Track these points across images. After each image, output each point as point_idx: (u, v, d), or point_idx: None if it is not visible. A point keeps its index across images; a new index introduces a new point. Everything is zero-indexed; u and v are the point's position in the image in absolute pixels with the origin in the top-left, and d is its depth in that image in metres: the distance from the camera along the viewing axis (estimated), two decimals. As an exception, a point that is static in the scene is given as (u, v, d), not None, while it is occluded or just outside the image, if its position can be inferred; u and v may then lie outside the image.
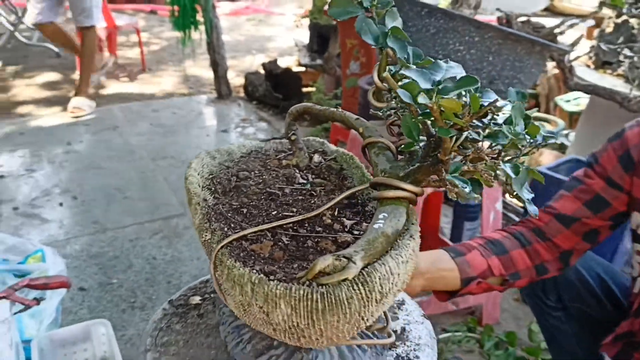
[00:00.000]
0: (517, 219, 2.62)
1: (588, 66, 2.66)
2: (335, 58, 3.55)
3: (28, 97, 4.48)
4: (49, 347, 1.78)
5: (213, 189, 0.86)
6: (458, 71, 0.72)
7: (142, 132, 3.83)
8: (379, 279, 0.63)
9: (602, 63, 2.58)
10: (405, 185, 0.72)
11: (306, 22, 4.70)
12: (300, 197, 0.83)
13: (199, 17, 4.25)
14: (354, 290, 0.62)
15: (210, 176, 0.89)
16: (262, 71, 4.50)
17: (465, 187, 0.69)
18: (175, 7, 4.25)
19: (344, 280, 0.62)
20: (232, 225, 0.75)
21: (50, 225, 2.69)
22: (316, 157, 0.95)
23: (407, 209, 0.73)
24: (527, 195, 0.72)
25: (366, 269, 0.64)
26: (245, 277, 0.66)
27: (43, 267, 1.99)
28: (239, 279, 0.67)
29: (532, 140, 0.72)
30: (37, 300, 1.68)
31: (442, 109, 0.63)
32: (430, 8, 1.62)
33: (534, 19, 1.85)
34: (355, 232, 0.76)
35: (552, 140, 0.78)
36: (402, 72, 0.70)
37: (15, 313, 1.68)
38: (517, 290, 2.24)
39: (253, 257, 0.70)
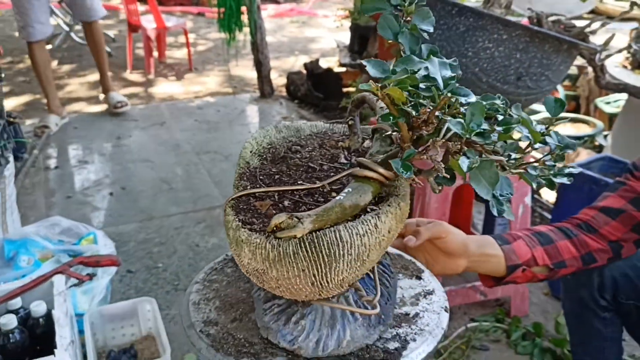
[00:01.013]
0: (548, 215, 2.65)
1: (625, 67, 2.67)
2: (375, 58, 3.64)
3: (82, 94, 4.72)
4: (99, 321, 1.92)
5: (264, 156, 0.96)
6: (449, 73, 0.77)
7: (187, 128, 4.00)
8: (327, 243, 0.71)
9: (639, 64, 2.59)
10: (374, 166, 0.78)
11: (348, 23, 4.80)
12: (332, 174, 0.92)
13: (244, 18, 4.40)
14: (300, 247, 0.71)
15: (269, 146, 0.99)
16: (304, 71, 4.61)
17: (404, 174, 0.71)
18: (222, 9, 4.41)
19: (293, 237, 0.71)
20: (257, 185, 0.86)
21: (100, 213, 2.86)
22: (367, 142, 1.01)
23: (377, 190, 0.78)
24: (487, 194, 0.71)
25: (316, 233, 0.71)
26: (230, 223, 0.78)
27: (95, 248, 2.15)
28: (227, 224, 0.79)
29: (510, 143, 0.77)
30: (90, 276, 1.82)
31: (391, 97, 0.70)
32: (460, 7, 1.69)
33: (577, 22, 1.89)
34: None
35: (567, 150, 0.82)
36: (362, 62, 0.75)
37: (70, 287, 1.83)
38: (547, 283, 2.28)
39: (250, 212, 0.80)
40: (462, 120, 0.70)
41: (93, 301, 2.00)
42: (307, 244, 0.71)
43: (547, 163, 0.82)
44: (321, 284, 0.75)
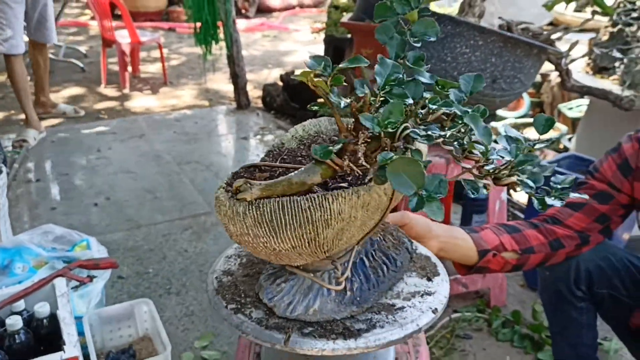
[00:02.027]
0: (520, 214, 2.79)
1: (587, 72, 2.85)
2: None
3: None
4: (97, 323, 1.97)
5: (304, 141, 1.06)
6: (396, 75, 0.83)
7: (166, 139, 4.06)
8: (269, 210, 0.79)
9: (600, 69, 2.77)
10: None
11: (322, 36, 4.94)
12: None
13: (220, 32, 4.49)
14: (248, 209, 0.81)
15: (315, 134, 1.08)
16: (280, 83, 4.72)
17: (322, 157, 0.80)
18: (198, 24, 4.50)
19: (244, 199, 0.82)
20: (275, 160, 0.96)
21: (87, 223, 2.90)
22: None
23: (327, 173, 0.84)
24: (408, 191, 0.69)
25: (263, 199, 0.81)
26: (219, 185, 0.90)
27: (89, 253, 2.19)
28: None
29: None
30: (90, 278, 1.88)
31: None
32: (438, 15, 1.82)
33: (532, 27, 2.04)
34: (332, 188, 0.90)
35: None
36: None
37: (72, 288, 1.88)
38: (522, 276, 2.42)
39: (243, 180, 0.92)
40: (375, 116, 0.76)
41: (90, 304, 2.05)
42: (253, 207, 0.80)
43: (486, 168, 0.80)
44: (272, 247, 0.83)
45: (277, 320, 0.94)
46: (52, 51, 5.98)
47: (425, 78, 0.84)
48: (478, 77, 0.86)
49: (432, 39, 0.87)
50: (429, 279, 1.09)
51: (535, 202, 0.81)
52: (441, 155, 2.03)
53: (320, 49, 5.09)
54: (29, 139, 3.90)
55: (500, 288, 2.25)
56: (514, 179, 0.80)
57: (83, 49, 6.41)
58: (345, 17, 3.36)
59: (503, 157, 0.79)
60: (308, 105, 0.95)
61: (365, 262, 0.99)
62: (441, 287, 1.07)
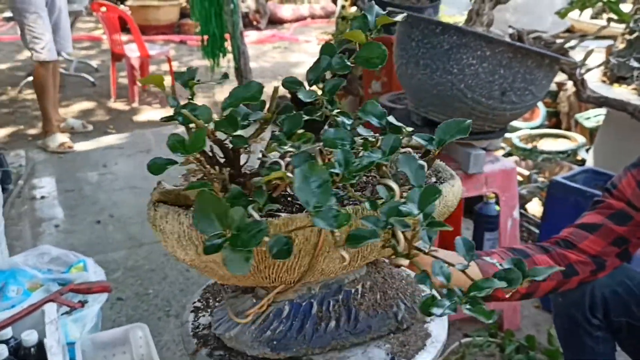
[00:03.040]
0: (535, 230, 2.68)
1: (604, 81, 2.74)
2: (359, 79, 3.69)
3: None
4: (90, 349, 1.89)
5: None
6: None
7: (174, 154, 3.99)
8: (156, 213, 0.80)
9: (617, 78, 2.66)
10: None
11: (330, 47, 4.86)
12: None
13: (227, 45, 4.44)
14: (148, 207, 0.84)
15: None
16: (288, 95, 4.64)
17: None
18: (205, 37, 4.46)
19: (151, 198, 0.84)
20: None
21: (89, 241, 2.84)
22: None
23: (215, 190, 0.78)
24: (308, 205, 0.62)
25: (157, 202, 0.82)
26: None
27: (85, 275, 2.12)
28: None
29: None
30: (82, 303, 1.81)
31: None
32: (444, 25, 1.73)
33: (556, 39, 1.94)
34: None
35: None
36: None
37: (62, 314, 1.81)
38: (538, 298, 2.30)
39: None
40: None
41: (84, 329, 1.97)
42: (152, 206, 0.81)
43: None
44: (172, 253, 0.80)
45: (206, 332, 0.90)
46: (64, 65, 5.97)
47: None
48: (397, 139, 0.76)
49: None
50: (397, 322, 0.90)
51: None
52: (449, 171, 1.94)
53: (330, 60, 5.02)
54: (63, 141, 4.05)
55: (513, 310, 2.14)
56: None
57: (95, 63, 6.40)
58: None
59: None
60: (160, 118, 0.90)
61: (313, 308, 0.85)
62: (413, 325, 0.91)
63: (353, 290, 0.87)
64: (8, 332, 1.62)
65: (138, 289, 2.42)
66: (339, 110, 0.78)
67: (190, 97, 0.77)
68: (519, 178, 3.14)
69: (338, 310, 0.85)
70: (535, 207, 2.88)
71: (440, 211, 0.83)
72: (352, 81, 3.70)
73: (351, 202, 0.76)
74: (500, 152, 3.57)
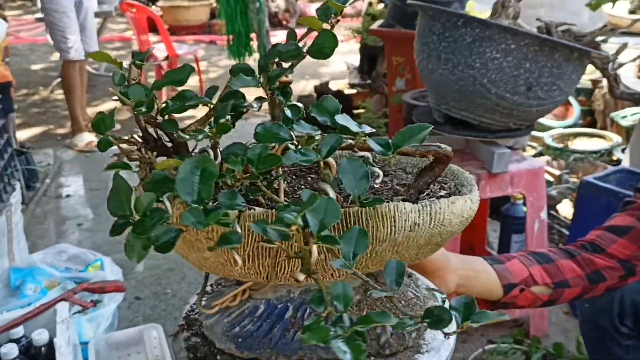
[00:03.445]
0: (566, 232, 2.57)
1: (639, 77, 2.61)
2: (383, 77, 3.62)
3: (94, 123, 4.74)
4: (104, 349, 1.87)
5: None
6: None
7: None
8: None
9: (654, 74, 2.53)
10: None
11: (355, 44, 4.81)
12: None
13: (253, 44, 4.42)
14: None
15: None
16: (314, 94, 4.60)
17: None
18: (231, 36, 4.44)
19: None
20: None
21: (110, 240, 2.83)
22: None
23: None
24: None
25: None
26: None
27: (101, 274, 2.11)
28: None
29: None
30: (94, 303, 1.79)
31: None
32: (466, 18, 1.65)
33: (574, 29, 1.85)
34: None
35: None
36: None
37: (73, 314, 1.79)
38: (567, 304, 2.20)
39: None
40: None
41: (99, 329, 1.96)
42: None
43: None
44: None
45: (196, 317, 0.86)
46: (95, 66, 6.04)
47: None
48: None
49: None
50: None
51: None
52: (471, 170, 1.85)
53: (356, 59, 4.96)
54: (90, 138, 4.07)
55: (541, 316, 2.05)
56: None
57: (125, 63, 6.45)
58: (376, 25, 3.21)
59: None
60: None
61: (287, 312, 0.77)
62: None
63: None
64: (19, 331, 1.60)
65: (156, 289, 2.40)
66: (291, 104, 0.70)
67: (134, 78, 0.71)
68: (550, 178, 3.03)
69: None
70: (566, 209, 2.77)
71: (448, 230, 0.73)
72: (376, 79, 3.63)
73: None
74: (531, 152, 3.45)
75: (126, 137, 0.70)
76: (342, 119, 0.65)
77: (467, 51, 1.66)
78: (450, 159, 0.77)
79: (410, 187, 0.78)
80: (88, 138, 4.09)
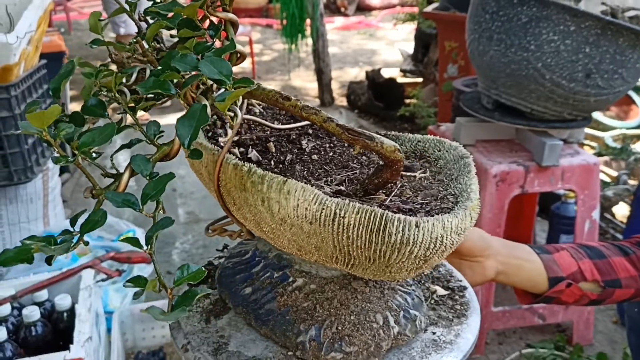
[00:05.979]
0: (620, 236, 2.41)
1: None
2: (435, 65, 3.49)
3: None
4: (129, 320, 1.86)
5: None
6: None
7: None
8: None
9: None
10: None
11: (407, 29, 4.67)
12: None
13: (307, 27, 4.35)
14: None
15: None
16: (365, 81, 4.51)
17: None
18: (284, 20, 4.39)
19: None
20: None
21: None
22: None
23: None
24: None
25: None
26: None
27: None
28: None
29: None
30: (119, 272, 1.76)
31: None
32: (521, -5, 1.54)
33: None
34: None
35: None
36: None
37: (97, 282, 1.77)
38: (617, 310, 2.05)
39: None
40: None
41: (125, 299, 1.94)
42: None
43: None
44: None
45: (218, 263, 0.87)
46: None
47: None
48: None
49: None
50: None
51: None
52: (519, 162, 1.74)
53: (410, 47, 4.83)
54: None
55: (586, 323, 1.91)
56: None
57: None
58: (431, 8, 3.08)
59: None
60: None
61: (256, 267, 0.74)
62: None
63: (291, 279, 0.68)
64: (43, 295, 1.60)
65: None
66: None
67: (91, 41, 0.63)
68: (607, 179, 2.85)
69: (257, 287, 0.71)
70: (622, 212, 2.59)
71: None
72: (429, 65, 3.50)
73: None
74: (589, 152, 3.27)
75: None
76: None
77: (521, 32, 1.54)
78: (397, 163, 0.58)
79: (359, 184, 0.64)
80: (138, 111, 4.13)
